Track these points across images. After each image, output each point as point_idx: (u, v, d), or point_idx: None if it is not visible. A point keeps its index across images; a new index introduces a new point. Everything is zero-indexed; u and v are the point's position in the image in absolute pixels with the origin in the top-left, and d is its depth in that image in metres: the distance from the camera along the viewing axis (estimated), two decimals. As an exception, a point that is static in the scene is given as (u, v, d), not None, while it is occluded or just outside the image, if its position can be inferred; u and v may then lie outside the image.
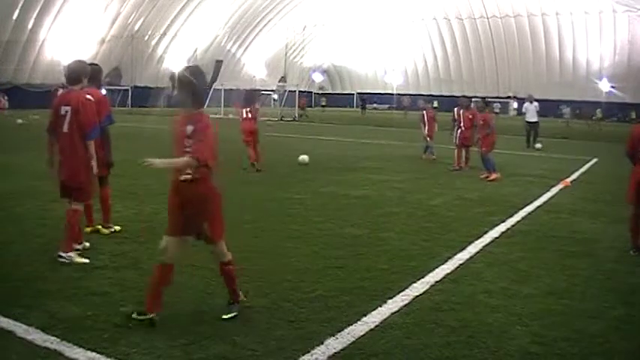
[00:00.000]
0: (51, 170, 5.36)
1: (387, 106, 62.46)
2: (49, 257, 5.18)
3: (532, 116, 21.20)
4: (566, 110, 39.90)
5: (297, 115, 38.41)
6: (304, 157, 13.14)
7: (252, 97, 13.04)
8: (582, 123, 34.63)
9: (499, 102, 48.33)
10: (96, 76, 5.91)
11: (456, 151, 13.57)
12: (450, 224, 7.40)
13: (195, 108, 3.84)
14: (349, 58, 69.22)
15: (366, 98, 49.54)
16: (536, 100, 21.72)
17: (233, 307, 4.06)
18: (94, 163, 5.22)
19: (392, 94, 63.59)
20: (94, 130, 5.24)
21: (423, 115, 15.51)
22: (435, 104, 33.03)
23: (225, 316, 3.96)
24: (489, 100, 22.04)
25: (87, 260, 5.17)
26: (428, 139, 15.15)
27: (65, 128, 5.15)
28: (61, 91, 6.13)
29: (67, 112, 5.15)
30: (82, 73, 5.35)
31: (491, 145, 12.11)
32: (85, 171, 5.22)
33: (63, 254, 5.10)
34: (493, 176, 11.45)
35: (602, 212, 8.54)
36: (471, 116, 13.23)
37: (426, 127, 15.17)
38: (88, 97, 5.30)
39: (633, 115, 48.64)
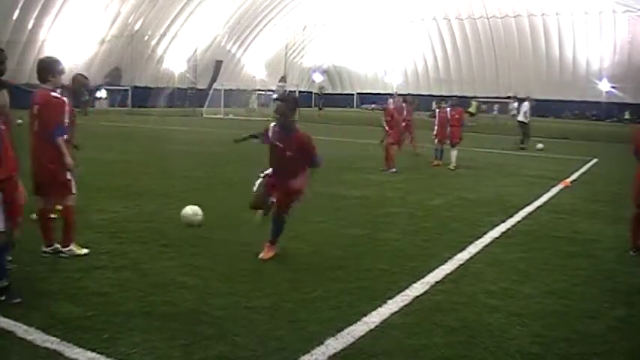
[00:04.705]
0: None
1: (387, 106, 62.44)
2: (49, 257, 5.18)
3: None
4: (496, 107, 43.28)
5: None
6: (190, 213, 6.61)
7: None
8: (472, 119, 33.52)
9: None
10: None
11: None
12: (450, 224, 7.40)
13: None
14: (349, 58, 69.11)
15: (323, 96, 46.92)
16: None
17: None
18: (67, 160, 5.05)
19: (392, 95, 63.58)
20: (57, 128, 5.05)
21: (436, 116, 14.95)
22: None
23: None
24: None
25: (87, 250, 5.31)
26: (435, 141, 14.33)
27: (35, 126, 5.11)
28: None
29: (37, 110, 5.10)
30: (50, 70, 5.12)
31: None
32: (56, 169, 5.10)
33: (63, 249, 5.23)
34: None
35: (602, 212, 8.53)
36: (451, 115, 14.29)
37: (436, 129, 14.41)
38: (55, 94, 5.12)
39: (626, 115, 48.99)
